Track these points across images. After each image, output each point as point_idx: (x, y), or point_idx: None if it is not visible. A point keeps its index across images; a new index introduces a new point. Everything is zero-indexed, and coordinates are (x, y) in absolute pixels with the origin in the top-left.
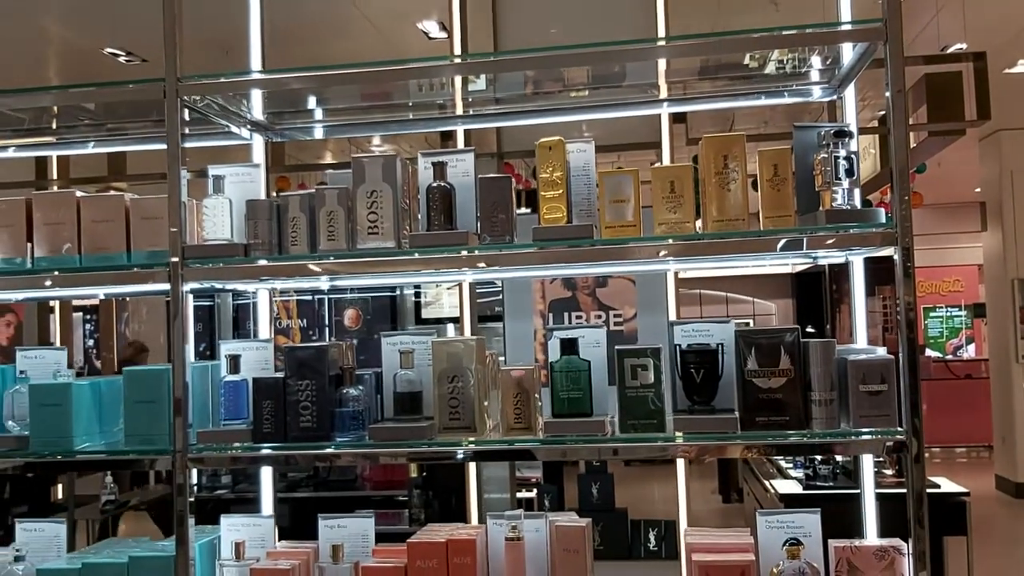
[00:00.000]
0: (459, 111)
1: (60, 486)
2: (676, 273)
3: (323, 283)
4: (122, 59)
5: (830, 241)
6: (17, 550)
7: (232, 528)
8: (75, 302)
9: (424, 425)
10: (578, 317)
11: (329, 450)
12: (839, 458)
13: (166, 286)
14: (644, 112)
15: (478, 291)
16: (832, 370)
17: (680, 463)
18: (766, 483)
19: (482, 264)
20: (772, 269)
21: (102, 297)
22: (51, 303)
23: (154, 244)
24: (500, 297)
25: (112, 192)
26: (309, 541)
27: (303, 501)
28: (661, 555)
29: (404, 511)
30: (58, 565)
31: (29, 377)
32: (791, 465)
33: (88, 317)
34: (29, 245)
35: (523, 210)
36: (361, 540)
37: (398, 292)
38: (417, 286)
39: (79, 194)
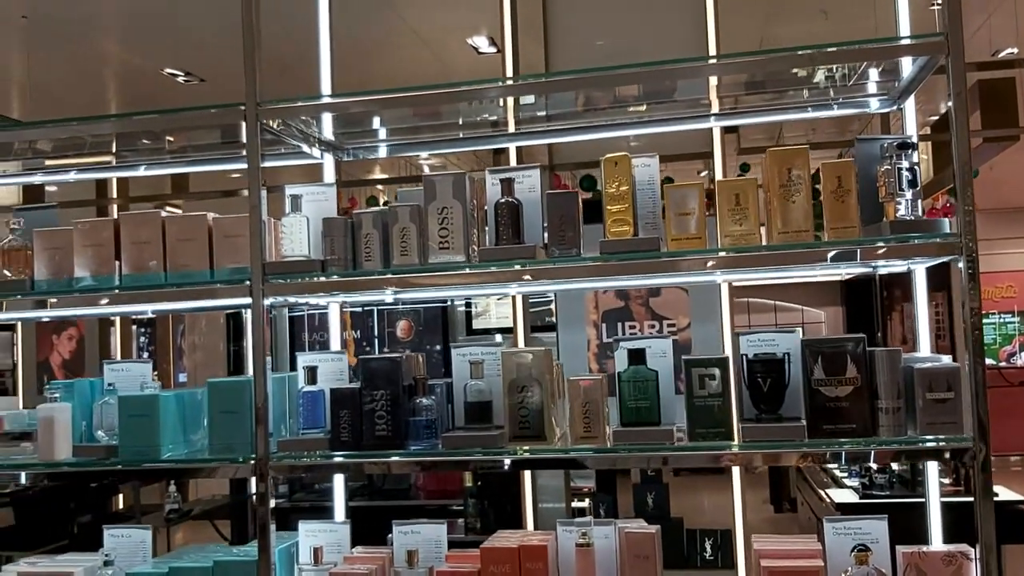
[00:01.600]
0: (511, 128)
1: (121, 496)
2: (730, 283)
3: (389, 296)
4: (180, 79)
5: (895, 252)
6: (106, 555)
7: (310, 534)
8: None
9: (495, 434)
10: (631, 327)
11: (404, 458)
12: (895, 467)
13: (247, 300)
14: (694, 127)
15: (530, 301)
16: (899, 378)
17: (736, 473)
18: (821, 492)
19: (550, 277)
20: (821, 277)
21: (185, 308)
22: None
23: (235, 261)
24: (551, 307)
25: (194, 212)
26: (383, 547)
27: (358, 511)
28: (718, 564)
29: (459, 520)
30: (146, 569)
31: (116, 389)
32: (846, 474)
33: (144, 330)
34: (117, 263)
35: None
36: (434, 545)
37: (449, 303)
38: (468, 302)
39: (164, 214)
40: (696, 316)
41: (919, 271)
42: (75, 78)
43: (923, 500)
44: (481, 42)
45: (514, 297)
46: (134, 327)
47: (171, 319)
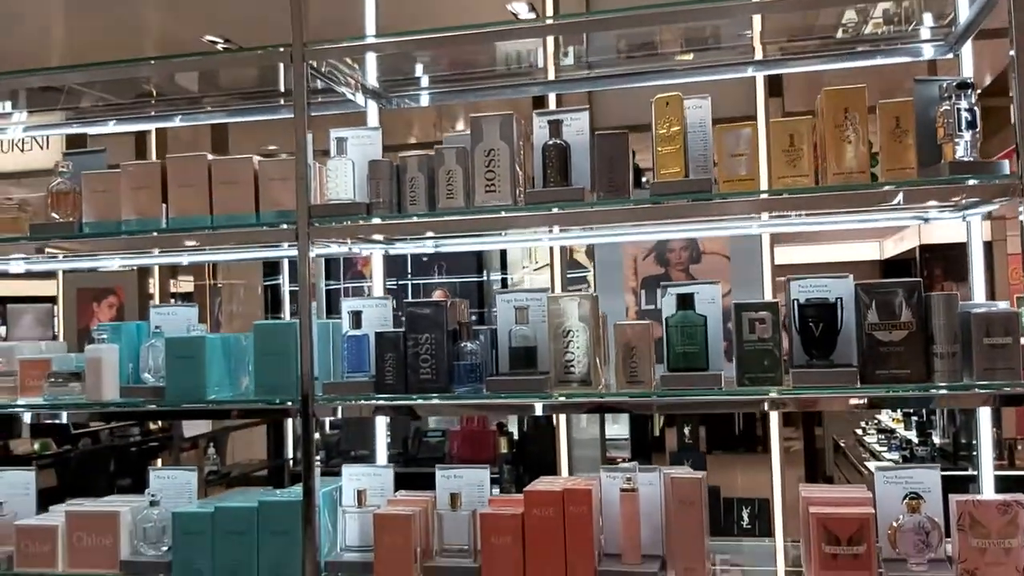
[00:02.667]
0: (551, 76)
1: (160, 460)
2: (772, 249)
3: (431, 246)
4: (220, 47)
5: (952, 194)
6: (152, 495)
7: (353, 477)
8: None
9: (540, 378)
10: None
11: (448, 400)
12: (937, 440)
13: (292, 251)
14: (738, 75)
15: (568, 276)
16: (955, 323)
17: (775, 446)
18: (860, 467)
19: (598, 221)
20: (861, 255)
21: (230, 258)
22: (150, 288)
23: (280, 205)
24: (588, 276)
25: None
26: (427, 491)
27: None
28: (755, 532)
29: (495, 490)
30: (191, 509)
31: (163, 332)
32: (886, 448)
33: (182, 304)
34: (164, 206)
35: None
36: (477, 490)
37: (485, 275)
38: (504, 269)
39: (210, 157)
40: (737, 284)
41: (975, 222)
42: (114, 46)
43: (966, 473)
44: (521, 8)
45: (551, 266)
46: (172, 300)
47: (208, 291)
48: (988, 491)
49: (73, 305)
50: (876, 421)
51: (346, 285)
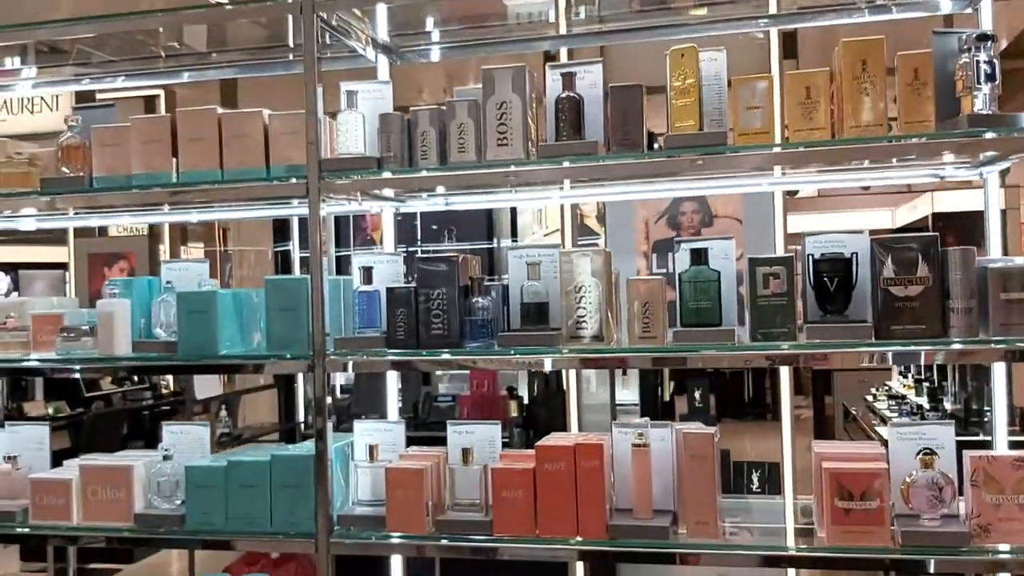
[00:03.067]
0: (563, 30)
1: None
2: (785, 216)
3: (442, 203)
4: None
5: (972, 148)
6: (165, 450)
7: (364, 433)
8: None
9: (552, 334)
10: None
11: (460, 356)
12: (948, 406)
13: (304, 211)
14: (750, 30)
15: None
16: (972, 278)
17: (786, 412)
18: (871, 433)
19: (611, 176)
20: (873, 224)
21: (241, 217)
22: (161, 254)
23: (290, 160)
24: (599, 243)
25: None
26: (439, 447)
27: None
28: (765, 495)
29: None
30: (205, 463)
31: (175, 287)
32: (896, 414)
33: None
34: (174, 160)
35: None
36: (488, 445)
37: (495, 242)
38: (515, 235)
39: (220, 111)
40: (749, 249)
41: (992, 178)
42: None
43: (977, 438)
44: None
45: (563, 230)
46: None
47: (219, 257)
48: (1001, 439)
49: (84, 271)
50: (887, 387)
51: (356, 252)
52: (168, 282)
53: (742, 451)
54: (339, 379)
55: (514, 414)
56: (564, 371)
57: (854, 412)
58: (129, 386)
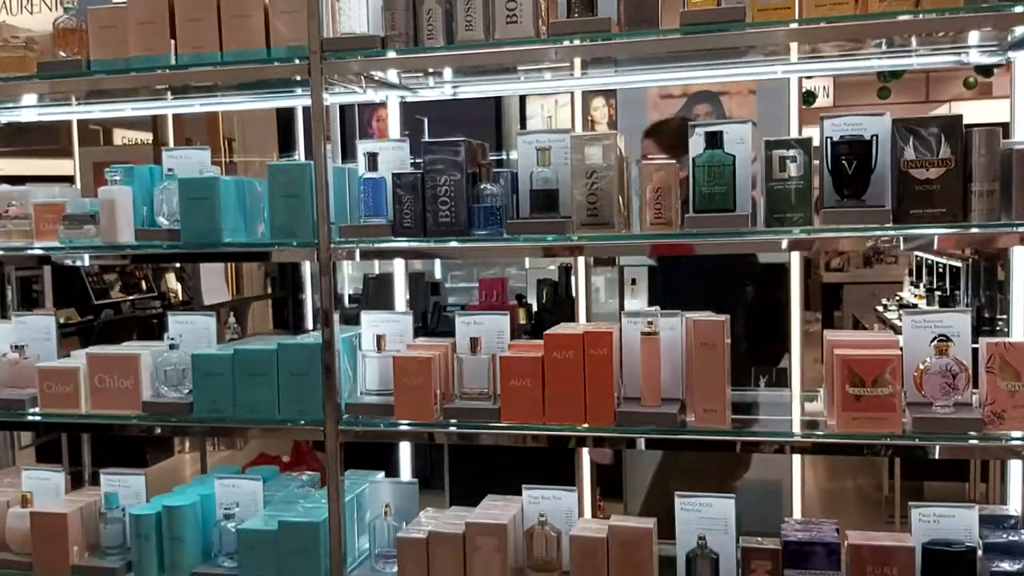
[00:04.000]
0: None
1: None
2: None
3: (448, 91)
4: None
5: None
6: (171, 339)
7: (372, 324)
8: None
9: (562, 220)
10: None
11: (468, 243)
12: None
13: (307, 101)
14: None
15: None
16: (996, 160)
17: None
18: None
19: (625, 56)
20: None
21: (243, 107)
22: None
23: (291, 40)
24: None
25: None
26: (447, 337)
27: None
28: None
29: None
30: (211, 351)
31: (176, 175)
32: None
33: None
34: (173, 43)
35: None
36: (497, 336)
37: (504, 154)
38: None
39: None
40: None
41: (1020, 60)
42: None
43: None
44: None
45: (572, 127)
46: None
47: (223, 168)
48: (1018, 327)
49: (90, 182)
50: (898, 298)
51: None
52: (170, 169)
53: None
54: (347, 287)
55: (523, 322)
56: (573, 278)
57: (863, 323)
58: (138, 294)
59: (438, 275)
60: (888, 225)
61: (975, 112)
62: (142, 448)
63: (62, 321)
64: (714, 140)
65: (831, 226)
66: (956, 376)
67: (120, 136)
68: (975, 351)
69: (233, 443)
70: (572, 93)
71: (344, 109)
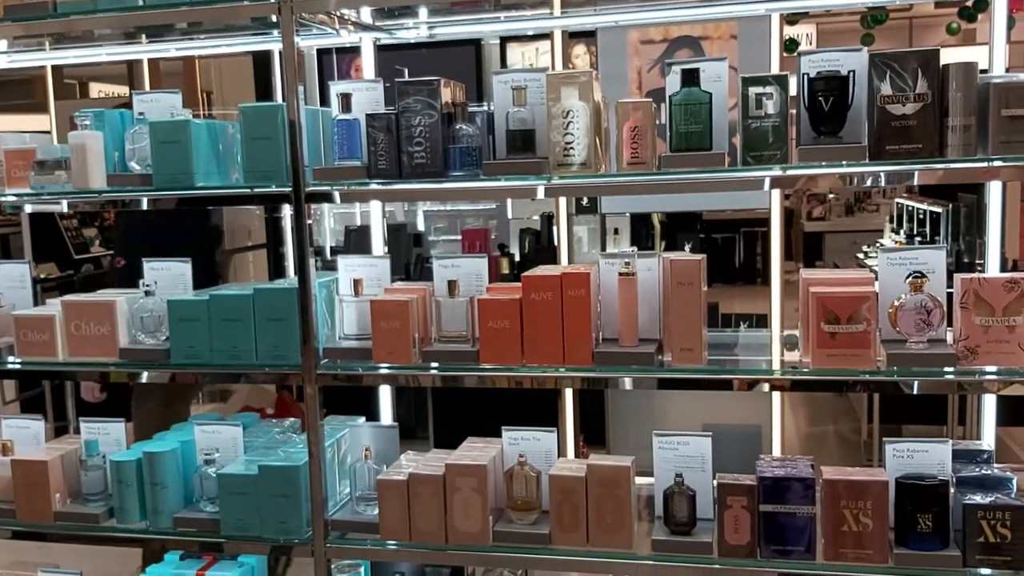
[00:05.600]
0: None
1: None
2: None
3: (426, 34)
4: None
5: None
6: (147, 285)
7: (349, 268)
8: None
9: (539, 161)
10: None
11: (445, 184)
12: None
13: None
14: None
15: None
16: (973, 94)
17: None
18: None
19: None
20: None
21: (218, 51)
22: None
23: None
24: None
25: None
26: (425, 281)
27: None
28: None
29: None
30: (187, 297)
31: (147, 118)
32: None
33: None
34: None
35: None
36: (475, 279)
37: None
38: None
39: None
40: None
41: None
42: None
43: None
44: None
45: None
46: None
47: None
48: (993, 263)
49: (67, 136)
50: (879, 244)
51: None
52: (140, 113)
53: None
54: (328, 239)
55: (506, 272)
56: (556, 228)
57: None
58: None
59: (421, 227)
60: (865, 162)
61: (958, 59)
62: (126, 402)
63: (42, 276)
64: (691, 77)
65: (808, 163)
66: (931, 312)
67: (96, 90)
68: (950, 295)
69: (218, 396)
70: (552, 41)
71: (323, 60)
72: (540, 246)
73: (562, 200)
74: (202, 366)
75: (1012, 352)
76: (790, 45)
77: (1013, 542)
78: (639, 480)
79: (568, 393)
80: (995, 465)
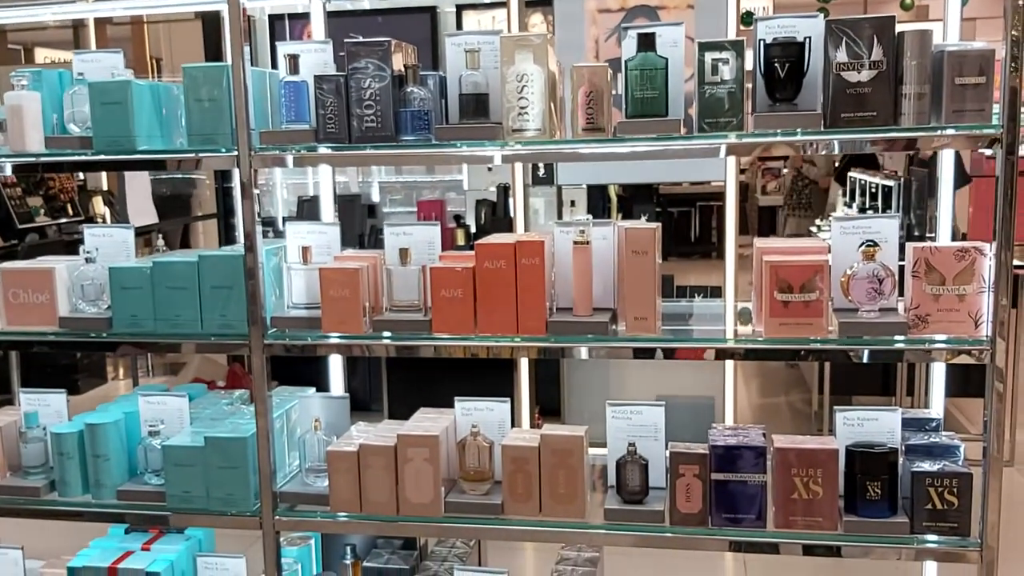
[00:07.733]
0: None
1: None
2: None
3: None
4: None
5: None
6: (87, 252)
7: (297, 235)
8: None
9: (493, 126)
10: None
11: (395, 150)
12: None
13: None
14: None
15: None
16: (927, 62)
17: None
18: None
19: None
20: None
21: (165, 7)
22: None
23: None
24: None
25: None
26: (375, 249)
27: None
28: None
29: None
30: (129, 264)
31: (87, 79)
32: None
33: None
34: None
35: None
36: (428, 247)
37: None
38: None
39: None
40: None
41: None
42: None
43: None
44: None
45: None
46: None
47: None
48: (944, 232)
49: None
50: (831, 217)
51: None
52: (80, 74)
53: (686, 280)
54: (281, 209)
55: (461, 242)
56: (511, 200)
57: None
58: (64, 218)
59: (376, 198)
60: (820, 129)
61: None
62: (73, 374)
63: None
64: (647, 42)
65: (763, 131)
66: (883, 281)
67: (42, 55)
68: (902, 269)
69: (167, 369)
70: (508, 8)
71: (275, 26)
72: (496, 217)
73: (518, 171)
74: (145, 335)
75: (962, 320)
76: (747, 18)
77: (959, 509)
78: (594, 452)
79: (523, 364)
80: (943, 433)
